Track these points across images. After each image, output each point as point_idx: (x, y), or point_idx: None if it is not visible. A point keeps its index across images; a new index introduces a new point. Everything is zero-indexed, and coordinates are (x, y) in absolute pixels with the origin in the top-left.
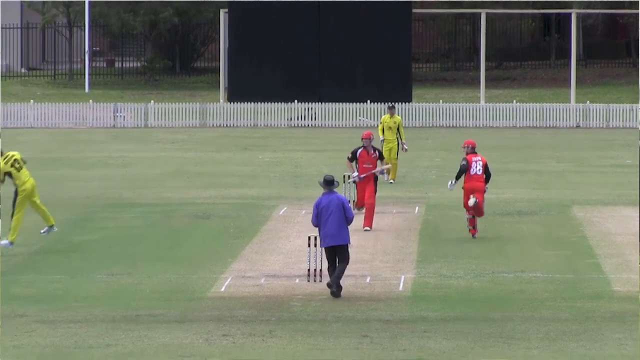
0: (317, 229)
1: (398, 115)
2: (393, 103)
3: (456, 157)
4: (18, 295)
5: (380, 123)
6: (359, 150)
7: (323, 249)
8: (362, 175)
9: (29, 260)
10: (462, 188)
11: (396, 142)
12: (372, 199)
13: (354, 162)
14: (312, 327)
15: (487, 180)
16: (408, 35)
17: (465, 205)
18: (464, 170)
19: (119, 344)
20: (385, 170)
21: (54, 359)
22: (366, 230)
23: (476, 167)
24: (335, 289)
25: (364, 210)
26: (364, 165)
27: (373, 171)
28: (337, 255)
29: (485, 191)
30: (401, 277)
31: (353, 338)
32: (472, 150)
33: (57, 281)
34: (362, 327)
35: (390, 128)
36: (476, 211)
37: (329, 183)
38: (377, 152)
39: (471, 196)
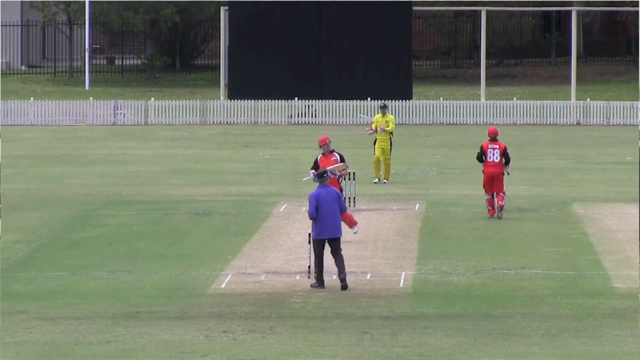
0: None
1: (391, 114)
2: (385, 102)
3: (457, 154)
4: (18, 292)
5: (373, 122)
6: (319, 157)
7: (313, 241)
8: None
9: (30, 257)
10: (482, 172)
11: (389, 142)
12: None
13: None
14: (312, 324)
15: (507, 162)
16: (408, 33)
17: (485, 186)
18: (478, 158)
19: (119, 340)
20: (338, 173)
21: (54, 355)
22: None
23: (493, 154)
24: (343, 281)
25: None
26: None
27: (327, 168)
28: (331, 247)
29: (504, 173)
30: (401, 274)
31: (353, 334)
32: (492, 138)
33: (57, 278)
34: (362, 324)
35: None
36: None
37: (320, 175)
38: (337, 155)
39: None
